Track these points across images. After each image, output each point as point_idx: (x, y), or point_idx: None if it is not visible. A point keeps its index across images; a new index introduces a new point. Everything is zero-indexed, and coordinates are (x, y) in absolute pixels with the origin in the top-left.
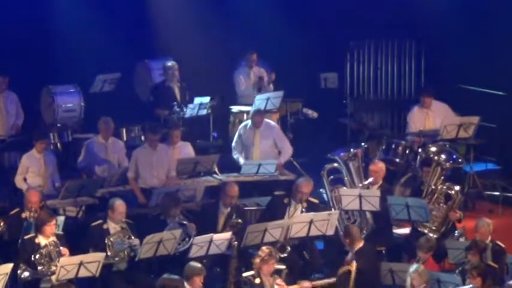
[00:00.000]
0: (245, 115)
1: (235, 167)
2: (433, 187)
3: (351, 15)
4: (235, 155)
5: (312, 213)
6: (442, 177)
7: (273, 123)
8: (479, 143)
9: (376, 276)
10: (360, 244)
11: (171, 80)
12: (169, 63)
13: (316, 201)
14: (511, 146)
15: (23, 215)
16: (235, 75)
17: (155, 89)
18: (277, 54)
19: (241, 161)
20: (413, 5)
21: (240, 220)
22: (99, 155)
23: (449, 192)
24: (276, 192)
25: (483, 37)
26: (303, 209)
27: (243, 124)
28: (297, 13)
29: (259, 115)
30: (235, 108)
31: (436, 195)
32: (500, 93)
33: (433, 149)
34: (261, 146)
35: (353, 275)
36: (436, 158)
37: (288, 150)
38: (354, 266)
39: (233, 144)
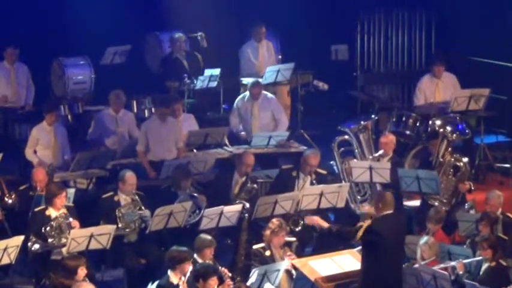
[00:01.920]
0: None
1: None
2: (441, 159)
3: None
4: (232, 128)
5: (322, 185)
6: (450, 149)
7: (270, 94)
8: (490, 115)
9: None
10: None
11: (178, 51)
12: (176, 35)
13: (324, 172)
14: None
15: (31, 193)
16: (242, 49)
17: (164, 61)
18: (287, 25)
19: (243, 133)
20: None
21: (255, 185)
22: (109, 127)
23: (458, 164)
24: (284, 166)
25: (494, 7)
26: (313, 181)
27: (240, 97)
28: None
29: (257, 87)
30: (245, 80)
31: (444, 167)
32: (511, 65)
33: (438, 122)
34: (260, 118)
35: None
36: (441, 130)
37: (284, 121)
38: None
39: (230, 116)
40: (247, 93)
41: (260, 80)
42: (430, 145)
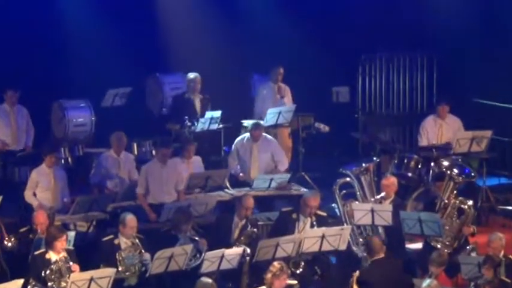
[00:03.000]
0: None
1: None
2: (446, 201)
3: (363, 29)
4: (231, 169)
5: (324, 228)
6: (455, 192)
7: (270, 137)
8: (492, 157)
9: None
10: (380, 255)
11: (193, 92)
12: (192, 75)
13: (324, 214)
14: None
15: (31, 236)
16: (259, 89)
17: (174, 102)
18: (289, 67)
19: (241, 174)
20: (424, 18)
21: (255, 229)
22: (111, 169)
23: (462, 206)
24: (284, 209)
25: (495, 50)
26: (313, 223)
27: (239, 138)
28: (309, 27)
29: (259, 129)
30: (246, 122)
31: (448, 210)
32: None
33: (446, 163)
34: (259, 159)
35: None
36: (448, 172)
37: (284, 163)
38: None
39: (229, 158)
40: (246, 134)
41: (262, 122)
42: (435, 187)
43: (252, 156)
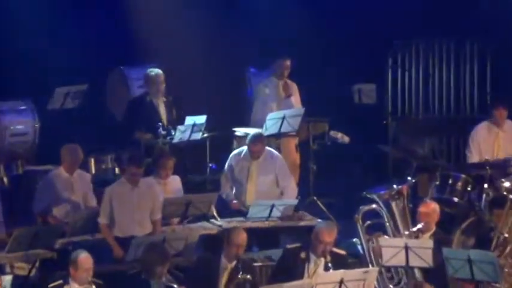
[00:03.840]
0: None
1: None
2: (506, 235)
3: (395, 8)
4: (222, 193)
5: (343, 270)
6: None
7: (275, 153)
8: None
9: None
10: None
11: (156, 94)
12: (153, 73)
13: (343, 252)
14: None
15: None
16: (258, 87)
17: (133, 105)
18: (295, 59)
19: (235, 202)
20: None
21: (248, 276)
22: (61, 193)
23: None
24: (289, 246)
25: None
26: (328, 264)
27: (236, 152)
28: (322, 6)
29: (260, 143)
30: (240, 131)
31: (510, 247)
32: None
33: (506, 184)
34: (258, 182)
35: None
36: (511, 196)
37: (292, 191)
38: None
39: (222, 177)
40: (245, 148)
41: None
42: (491, 216)
43: (249, 178)
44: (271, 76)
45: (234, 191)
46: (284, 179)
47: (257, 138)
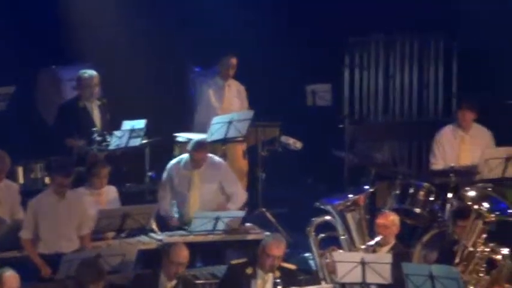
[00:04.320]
0: None
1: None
2: (471, 249)
3: (352, 2)
4: (160, 209)
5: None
6: (484, 236)
7: (217, 159)
8: None
9: None
10: None
11: (89, 97)
12: (86, 74)
13: (293, 267)
14: None
15: None
16: (202, 89)
17: (64, 110)
18: (243, 57)
19: (174, 218)
20: None
21: None
22: None
23: (494, 257)
24: (234, 261)
25: None
26: (277, 281)
27: (174, 161)
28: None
29: (202, 150)
30: (182, 137)
31: (474, 261)
32: None
33: (471, 194)
34: (202, 192)
35: None
36: (475, 207)
37: (240, 197)
38: None
39: (160, 189)
40: (184, 156)
41: (205, 136)
42: (455, 228)
43: (191, 188)
44: (216, 76)
45: (175, 203)
46: (230, 185)
47: (201, 145)
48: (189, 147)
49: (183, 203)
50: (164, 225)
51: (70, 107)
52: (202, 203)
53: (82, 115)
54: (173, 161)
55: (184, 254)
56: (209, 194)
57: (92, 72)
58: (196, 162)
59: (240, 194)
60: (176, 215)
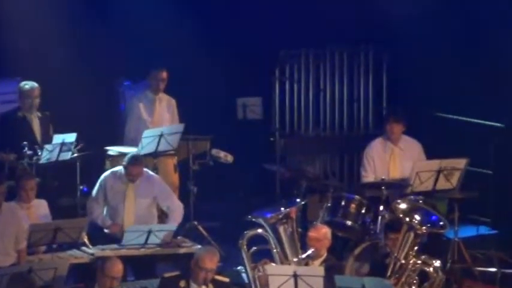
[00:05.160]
0: None
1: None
2: (403, 261)
3: (282, 15)
4: (96, 218)
5: None
6: (415, 248)
7: (152, 174)
8: (468, 198)
9: None
10: None
11: (29, 109)
12: (28, 86)
13: (225, 279)
14: None
15: None
16: (132, 102)
17: (3, 120)
18: (174, 71)
19: (109, 225)
20: (371, 1)
21: None
22: None
23: (426, 269)
24: (167, 274)
25: (468, 44)
26: None
27: (108, 173)
28: (202, 12)
29: (138, 166)
30: (113, 150)
31: (406, 274)
32: (497, 124)
33: (403, 206)
34: (136, 206)
35: None
36: (407, 219)
37: (178, 210)
38: None
39: (90, 200)
40: (119, 168)
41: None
42: (387, 241)
43: (126, 202)
44: (147, 90)
45: (108, 216)
46: (165, 199)
47: (137, 160)
48: (125, 161)
49: (116, 216)
50: (98, 238)
51: (9, 118)
52: (137, 217)
53: (21, 126)
54: (107, 173)
55: (118, 268)
56: (143, 209)
57: (32, 84)
58: (131, 176)
59: (176, 208)
60: (109, 222)
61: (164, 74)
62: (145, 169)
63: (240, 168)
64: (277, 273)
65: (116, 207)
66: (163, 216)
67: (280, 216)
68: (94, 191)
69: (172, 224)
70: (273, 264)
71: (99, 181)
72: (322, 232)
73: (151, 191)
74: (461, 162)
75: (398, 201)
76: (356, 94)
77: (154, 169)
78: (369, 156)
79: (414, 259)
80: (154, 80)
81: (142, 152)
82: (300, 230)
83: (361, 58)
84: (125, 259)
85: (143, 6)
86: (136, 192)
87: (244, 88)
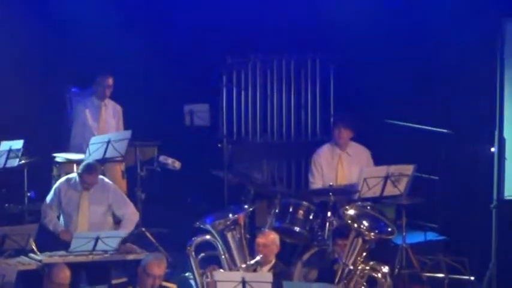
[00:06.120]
0: (76, 166)
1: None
2: (351, 267)
3: (229, 22)
4: (49, 222)
5: None
6: (364, 254)
7: (107, 181)
8: (415, 204)
9: None
10: None
11: None
12: None
13: (173, 286)
14: (460, 206)
15: None
16: (78, 108)
17: None
18: (120, 77)
19: (60, 232)
20: (318, 10)
21: None
22: None
23: (374, 275)
24: (114, 281)
25: (414, 51)
26: None
27: (63, 179)
28: (148, 18)
29: (94, 173)
30: (60, 157)
31: (355, 280)
32: (445, 131)
33: (351, 212)
34: (90, 214)
35: None
36: (355, 225)
37: (132, 217)
38: None
39: (44, 206)
40: (73, 176)
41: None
42: (335, 247)
43: (80, 210)
44: (92, 96)
45: (61, 221)
46: (119, 207)
47: (92, 168)
48: (80, 169)
49: (70, 224)
50: (43, 245)
51: None
52: (91, 225)
53: None
54: (61, 180)
55: (65, 275)
56: (98, 217)
57: None
58: (86, 184)
59: (130, 216)
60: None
61: (110, 81)
62: (101, 176)
63: (188, 175)
64: (226, 279)
65: (70, 214)
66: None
67: (229, 222)
68: (48, 198)
69: (122, 231)
70: (221, 270)
71: (53, 188)
72: (270, 238)
73: (106, 198)
74: (408, 168)
75: (347, 207)
76: (303, 101)
77: (102, 175)
78: (317, 163)
79: (362, 265)
80: (100, 86)
81: (90, 159)
82: (248, 236)
83: (308, 65)
84: (79, 266)
85: (90, 12)
86: (90, 200)
87: (191, 95)
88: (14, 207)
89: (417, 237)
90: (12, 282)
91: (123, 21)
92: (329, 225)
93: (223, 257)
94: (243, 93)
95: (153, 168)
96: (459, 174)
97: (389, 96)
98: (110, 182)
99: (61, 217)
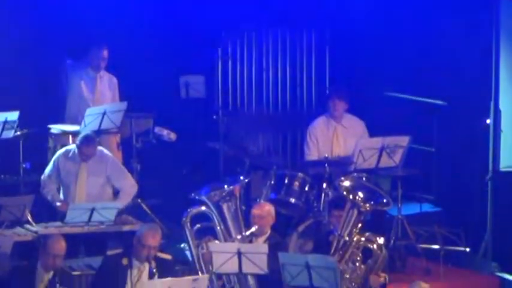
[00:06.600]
0: (71, 138)
1: (58, 213)
2: (346, 239)
3: None
4: (47, 193)
5: (169, 278)
6: (359, 225)
7: (106, 152)
8: (411, 175)
9: None
10: None
11: None
12: None
13: (168, 257)
14: (455, 177)
15: None
16: (73, 79)
17: None
18: (115, 48)
19: (58, 203)
20: None
21: None
22: None
23: (369, 246)
24: (110, 252)
25: (409, 23)
26: (153, 270)
27: (62, 151)
28: None
29: (92, 145)
30: (55, 128)
31: (350, 251)
32: (439, 102)
33: (346, 184)
34: (88, 185)
35: None
36: (350, 197)
37: (129, 190)
38: None
39: (44, 177)
40: (72, 147)
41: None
42: (330, 218)
43: (78, 181)
44: (88, 67)
45: (61, 193)
46: (118, 179)
47: (90, 140)
48: (78, 141)
49: (69, 195)
50: (39, 216)
51: None
52: (89, 197)
53: None
54: (60, 152)
55: (61, 246)
56: (96, 188)
57: None
58: (84, 156)
59: (128, 188)
60: (58, 204)
61: (105, 53)
62: (100, 148)
63: (183, 146)
64: (221, 250)
65: (68, 185)
66: None
67: (224, 193)
68: (47, 169)
69: (119, 203)
70: (217, 241)
71: (52, 159)
72: (265, 209)
73: (104, 170)
74: (404, 140)
75: (342, 178)
76: (299, 73)
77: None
78: (312, 134)
79: (358, 236)
80: (95, 58)
81: (86, 130)
82: (243, 207)
83: (303, 39)
84: (75, 236)
85: None
86: (88, 171)
87: (187, 66)
88: (10, 178)
89: (413, 208)
90: (7, 253)
91: None
92: (324, 196)
93: (218, 228)
94: (238, 65)
95: (148, 139)
96: (455, 145)
97: (385, 67)
98: (109, 154)
99: (61, 190)
